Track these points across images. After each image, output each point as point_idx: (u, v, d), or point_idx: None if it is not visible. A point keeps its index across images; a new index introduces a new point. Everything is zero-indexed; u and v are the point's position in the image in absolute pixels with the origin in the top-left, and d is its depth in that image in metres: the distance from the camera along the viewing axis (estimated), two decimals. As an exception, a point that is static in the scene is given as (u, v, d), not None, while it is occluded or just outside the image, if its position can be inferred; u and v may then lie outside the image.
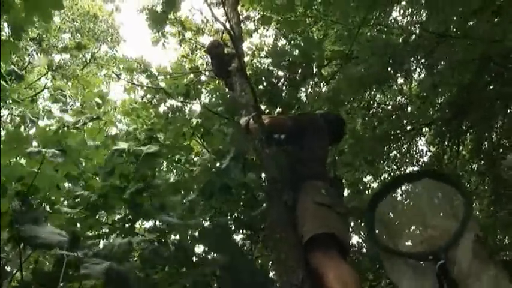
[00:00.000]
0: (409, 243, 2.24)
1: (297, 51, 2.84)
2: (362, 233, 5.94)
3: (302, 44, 2.82)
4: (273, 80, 2.77)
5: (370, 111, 5.73)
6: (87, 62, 10.22)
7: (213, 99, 3.25)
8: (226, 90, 3.67)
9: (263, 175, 2.96)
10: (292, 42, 5.52)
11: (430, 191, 2.38)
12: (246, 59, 5.82)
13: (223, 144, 3.18)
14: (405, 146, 6.28)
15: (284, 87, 2.79)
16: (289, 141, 2.80)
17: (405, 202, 2.57)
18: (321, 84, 3.62)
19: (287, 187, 2.52)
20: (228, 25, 3.16)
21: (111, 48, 11.00)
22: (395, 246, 2.23)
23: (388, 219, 2.43)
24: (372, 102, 5.84)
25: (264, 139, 2.64)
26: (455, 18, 4.23)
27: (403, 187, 2.53)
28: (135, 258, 2.70)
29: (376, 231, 2.37)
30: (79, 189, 3.21)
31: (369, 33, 4.93)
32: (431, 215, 2.26)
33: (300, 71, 2.65)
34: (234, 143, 2.74)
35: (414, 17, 5.59)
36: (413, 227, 2.30)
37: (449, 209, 2.21)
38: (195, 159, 4.66)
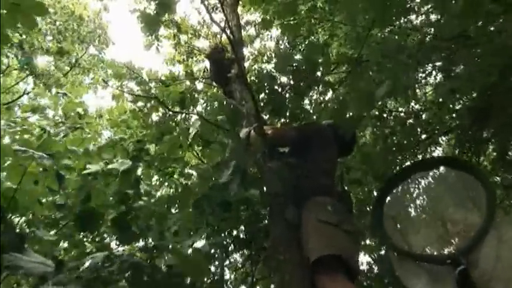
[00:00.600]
0: (424, 242, 2.22)
1: (301, 57, 2.90)
2: (373, 253, 5.96)
3: (306, 49, 2.88)
4: (276, 87, 2.83)
5: (381, 120, 5.76)
6: (72, 66, 10.26)
7: (211, 108, 3.31)
8: (224, 98, 3.75)
9: (265, 190, 3.02)
10: (296, 45, 5.57)
11: (447, 181, 2.37)
12: (247, 64, 5.90)
13: (222, 156, 3.24)
14: (420, 156, 6.29)
15: (288, 95, 2.85)
16: (293, 153, 2.85)
17: (419, 195, 2.55)
18: (327, 91, 3.67)
19: (291, 203, 2.57)
20: (226, 28, 3.24)
21: (99, 50, 11.09)
22: (408, 246, 2.22)
23: (400, 215, 2.42)
24: (383, 110, 5.87)
25: (266, 152, 2.71)
26: (476, 20, 4.26)
27: (416, 177, 2.52)
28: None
29: (386, 230, 2.36)
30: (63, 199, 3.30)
31: (379, 34, 4.99)
32: (449, 208, 2.25)
33: (304, 78, 2.71)
34: (233, 156, 2.80)
35: (430, 15, 5.64)
36: (429, 223, 2.28)
37: (470, 202, 2.20)
38: (190, 171, 4.71)
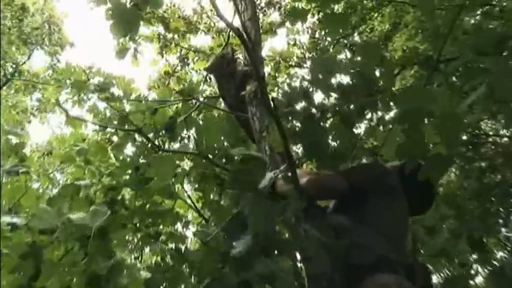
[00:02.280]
0: None
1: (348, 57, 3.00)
2: None
3: (360, 52, 2.92)
4: (314, 111, 2.89)
5: (473, 148, 5.76)
6: (6, 81, 10.42)
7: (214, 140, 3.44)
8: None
9: (299, 262, 3.15)
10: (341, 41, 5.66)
11: None
12: (266, 70, 5.95)
13: (234, 212, 3.36)
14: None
15: (330, 124, 2.92)
16: (341, 210, 2.97)
17: None
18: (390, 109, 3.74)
19: (338, 284, 2.68)
20: (237, 23, 3.41)
21: (51, 55, 11.24)
22: None
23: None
24: (475, 133, 5.87)
25: (302, 208, 2.81)
26: None
27: None
28: None
29: None
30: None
31: (467, 19, 5.09)
32: None
33: (355, 97, 2.79)
34: (251, 215, 2.91)
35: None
36: None
37: None
38: (181, 230, 4.85)
